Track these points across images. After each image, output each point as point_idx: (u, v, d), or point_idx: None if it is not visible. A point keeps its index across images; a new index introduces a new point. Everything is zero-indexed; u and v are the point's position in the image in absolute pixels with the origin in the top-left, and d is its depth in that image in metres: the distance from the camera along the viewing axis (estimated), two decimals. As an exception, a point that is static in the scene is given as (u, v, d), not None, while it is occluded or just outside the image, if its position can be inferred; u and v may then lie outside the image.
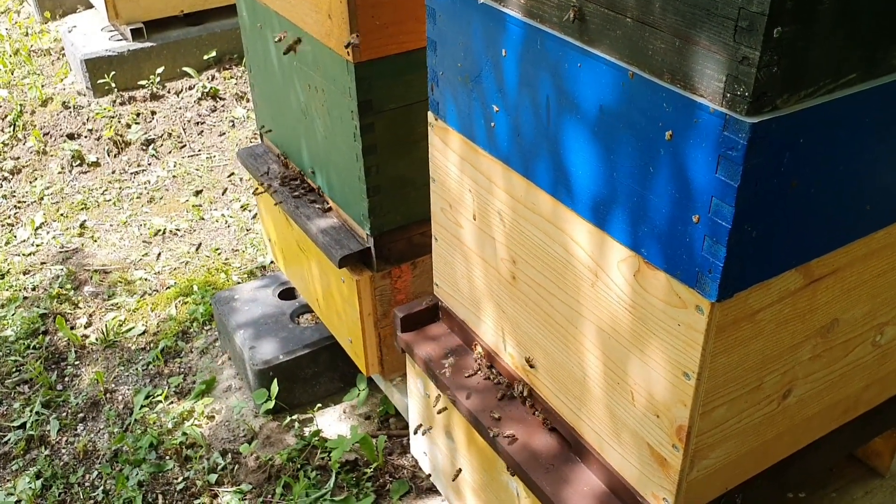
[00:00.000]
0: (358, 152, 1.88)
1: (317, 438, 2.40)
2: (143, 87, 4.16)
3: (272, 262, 3.21)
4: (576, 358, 1.37)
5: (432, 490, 2.27)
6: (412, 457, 2.37)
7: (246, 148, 2.47)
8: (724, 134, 0.95)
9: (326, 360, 2.51)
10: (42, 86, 4.30)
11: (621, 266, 1.19)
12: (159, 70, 4.11)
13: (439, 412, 1.75)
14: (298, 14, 1.92)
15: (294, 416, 2.49)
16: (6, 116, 4.09)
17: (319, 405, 2.54)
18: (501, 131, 1.35)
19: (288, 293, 2.71)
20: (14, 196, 3.72)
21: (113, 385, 2.70)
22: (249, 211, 3.53)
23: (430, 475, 1.94)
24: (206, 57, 4.22)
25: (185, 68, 4.15)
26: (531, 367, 1.50)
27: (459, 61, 1.40)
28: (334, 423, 2.49)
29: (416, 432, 1.90)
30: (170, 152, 3.93)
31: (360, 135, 1.85)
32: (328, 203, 2.16)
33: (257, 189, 2.43)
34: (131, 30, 4.05)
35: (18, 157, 3.93)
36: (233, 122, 4.07)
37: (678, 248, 1.07)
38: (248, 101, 4.19)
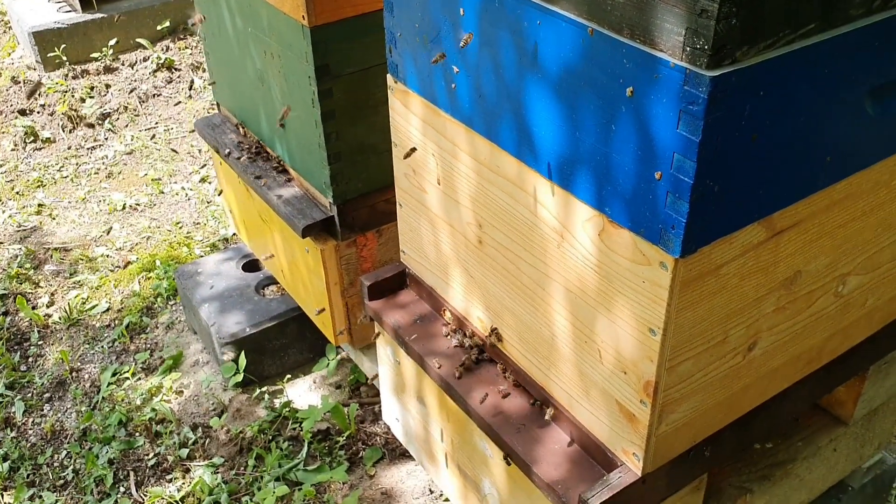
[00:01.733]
0: (317, 118, 1.85)
1: (287, 409, 2.40)
2: (95, 59, 4.05)
3: (234, 234, 3.17)
4: (544, 319, 1.37)
5: (405, 455, 2.28)
6: (384, 424, 2.37)
7: (204, 118, 2.42)
8: (685, 89, 0.94)
9: (294, 332, 2.49)
10: (-11, 61, 4.18)
11: (586, 226, 1.19)
12: (112, 42, 4.01)
13: (407, 380, 1.75)
14: (251, -22, 1.88)
15: (264, 389, 2.48)
16: (-47, 93, 3.97)
17: (289, 377, 2.53)
18: (462, 93, 1.34)
19: (252, 265, 2.68)
20: (-34, 176, 3.63)
21: (79, 364, 2.67)
22: (209, 183, 3.48)
23: (402, 442, 1.95)
24: (159, 27, 4.12)
25: (138, 39, 4.05)
26: (499, 330, 1.50)
27: (417, 22, 1.37)
28: (305, 393, 2.49)
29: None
30: (126, 126, 3.84)
31: (318, 100, 1.82)
32: (289, 172, 2.13)
33: (217, 160, 2.39)
34: (79, 0, 3.93)
35: (-31, 137, 3.82)
36: (189, 93, 3.99)
37: (641, 206, 1.07)
38: (204, 70, 4.11)
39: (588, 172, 1.14)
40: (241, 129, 2.31)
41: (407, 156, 1.54)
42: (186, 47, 4.16)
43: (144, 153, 3.68)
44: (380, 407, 2.37)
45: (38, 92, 3.88)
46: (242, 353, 2.41)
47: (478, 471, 1.63)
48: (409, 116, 1.51)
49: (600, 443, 1.35)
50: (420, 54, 1.40)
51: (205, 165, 3.57)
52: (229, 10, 2.05)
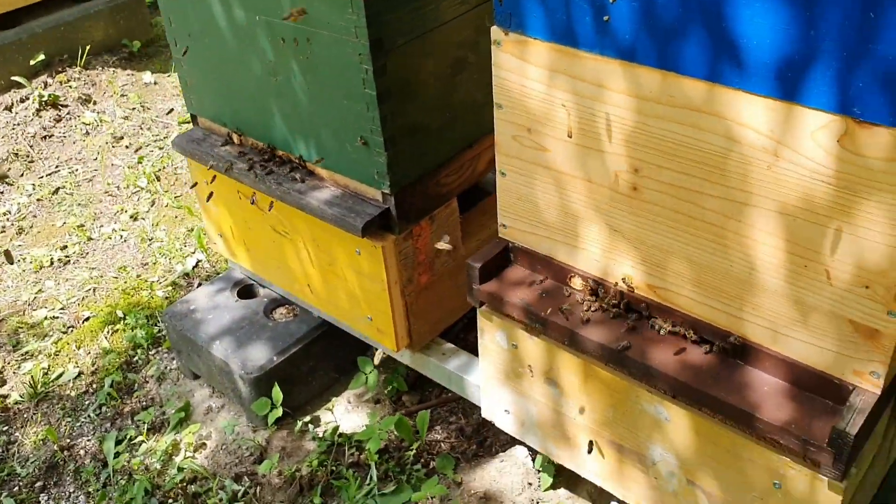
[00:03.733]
0: (370, 101, 1.66)
1: (339, 435, 2.17)
2: (-36, 106, 3.56)
3: (195, 266, 2.87)
4: (737, 254, 1.27)
5: (482, 456, 2.12)
6: (440, 429, 2.21)
7: (182, 135, 2.15)
8: None
9: (319, 353, 2.27)
10: None
11: (818, 135, 1.10)
12: (-19, 84, 3.54)
13: (529, 363, 1.61)
14: (264, -44, 1.66)
15: (302, 419, 2.24)
16: None
17: (323, 401, 2.30)
18: (621, 25, 1.22)
19: (246, 291, 2.42)
20: None
21: (67, 440, 2.31)
22: (142, 220, 3.13)
23: (514, 433, 1.79)
24: (33, 62, 3.67)
25: (15, 78, 3.59)
26: (659, 282, 1.39)
27: (550, -44, 1.24)
28: (344, 415, 2.27)
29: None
30: (22, 175, 3.40)
31: (372, 80, 1.63)
32: (315, 172, 1.92)
33: (199, 182, 2.12)
34: (-65, 42, 3.44)
35: None
36: (86, 129, 3.59)
37: (915, 94, 0.99)
38: (94, 103, 3.71)
39: (826, 73, 1.05)
40: (235, 137, 2.06)
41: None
42: (68, 80, 3.73)
43: (54, 201, 3.27)
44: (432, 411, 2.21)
45: None
46: (276, 385, 2.16)
47: (644, 440, 1.52)
48: (527, 68, 1.37)
49: (819, 371, 1.27)
50: (553, -8, 1.27)
51: (129, 202, 3.21)
52: (224, 4, 1.81)
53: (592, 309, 1.50)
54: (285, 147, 1.93)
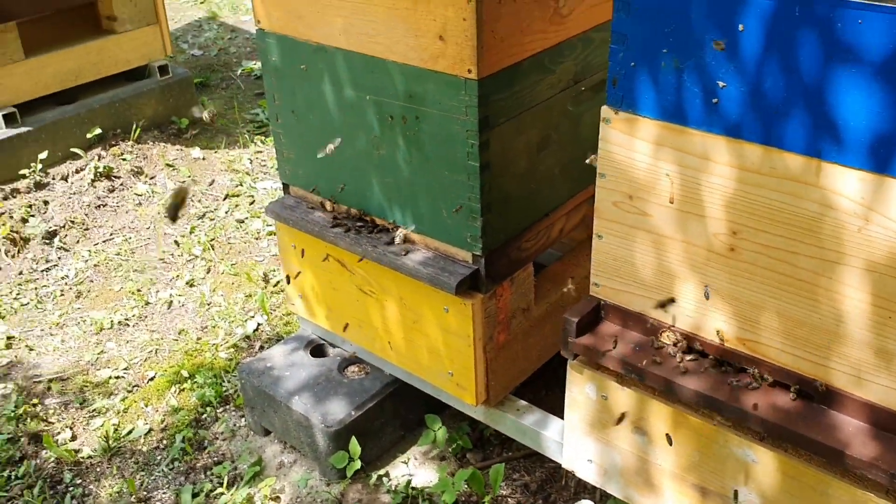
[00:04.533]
0: (472, 172, 1.85)
1: (411, 489, 2.28)
2: (24, 176, 3.72)
3: (256, 328, 3.00)
4: (826, 308, 1.44)
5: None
6: (506, 486, 2.32)
7: (275, 202, 2.32)
8: None
9: (390, 409, 2.39)
10: None
11: (908, 201, 1.29)
12: (42, 155, 3.71)
13: (620, 415, 1.75)
14: (381, 44, 1.87)
15: (376, 473, 2.34)
16: None
17: (392, 456, 2.41)
18: (729, 105, 1.42)
19: (318, 351, 2.56)
20: None
21: (143, 493, 2.39)
22: (199, 286, 3.27)
23: (596, 482, 1.92)
24: (89, 135, 3.87)
25: (74, 150, 3.78)
26: (749, 334, 1.56)
27: (665, 47, 1.45)
28: (413, 470, 2.38)
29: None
30: (78, 241, 3.54)
31: (477, 153, 1.83)
32: (406, 236, 2.09)
33: (288, 244, 2.28)
34: (3, 115, 3.63)
35: None
36: (138, 199, 3.76)
37: None
38: (146, 175, 3.89)
39: (917, 150, 1.25)
40: (328, 205, 2.23)
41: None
42: (121, 153, 3.92)
43: (111, 266, 3.40)
44: (499, 467, 2.33)
45: (-33, 219, 3.50)
46: (354, 438, 2.27)
47: (729, 482, 1.65)
48: (635, 143, 1.56)
49: (902, 413, 1.43)
50: (664, 78, 1.47)
51: (185, 268, 3.36)
52: (335, 83, 2.01)
53: (684, 361, 1.66)
54: (380, 213, 2.11)
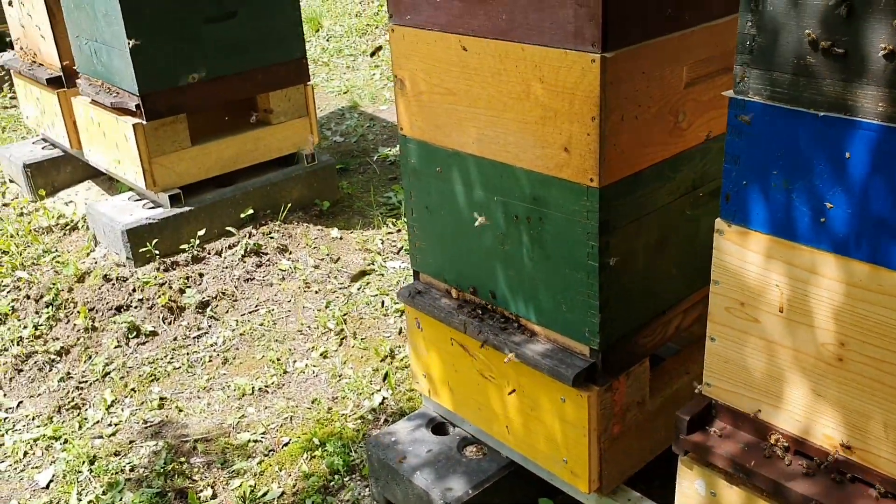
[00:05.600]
0: (592, 272, 1.98)
1: (524, 570, 2.36)
2: (183, 251, 4.12)
3: (381, 402, 3.19)
4: (936, 422, 1.48)
5: None
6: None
7: (405, 287, 2.52)
8: None
9: (506, 489, 2.50)
10: (68, 262, 4.19)
11: None
12: (200, 232, 4.10)
13: (733, 508, 1.80)
14: (511, 153, 2.05)
15: (489, 552, 2.44)
16: (41, 297, 3.94)
17: (506, 537, 2.51)
18: (836, 225, 1.50)
19: (439, 429, 2.71)
20: (71, 377, 3.56)
21: (275, 553, 2.58)
22: (331, 357, 3.51)
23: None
24: (242, 215, 4.24)
25: (228, 227, 4.16)
26: (857, 443, 1.60)
27: (775, 169, 1.56)
28: (525, 552, 2.47)
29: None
30: (227, 311, 3.87)
31: (596, 254, 1.96)
32: (526, 327, 2.23)
33: (414, 326, 2.47)
34: (169, 196, 4.05)
35: (58, 338, 3.77)
36: (282, 275, 4.07)
37: None
38: (290, 253, 4.22)
39: None
40: (454, 292, 2.41)
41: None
42: (269, 232, 4.27)
43: (255, 336, 3.70)
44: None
45: (132, 287, 3.90)
46: (470, 516, 2.39)
47: (839, 589, 1.67)
48: (746, 254, 1.66)
49: None
50: (774, 197, 1.58)
51: (321, 340, 3.61)
52: (467, 185, 2.20)
53: (793, 464, 1.71)
54: (503, 304, 2.27)
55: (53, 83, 4.58)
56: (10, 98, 6.77)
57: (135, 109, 3.89)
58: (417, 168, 2.36)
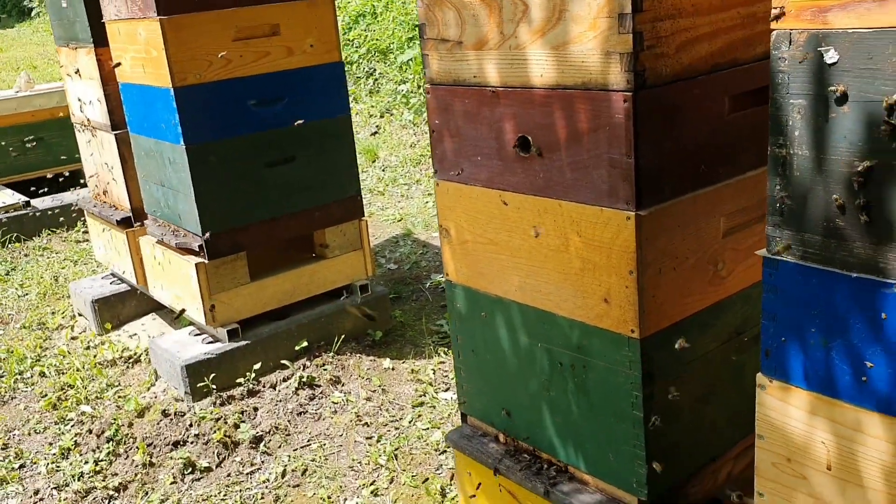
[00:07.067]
0: (636, 422, 1.98)
1: None
2: (239, 384, 4.20)
3: (432, 545, 3.14)
4: None
5: None
6: None
7: (454, 431, 2.53)
8: None
9: None
10: (129, 397, 4.30)
11: None
12: (256, 366, 4.19)
13: None
14: (552, 301, 2.10)
15: None
16: (102, 432, 4.04)
17: None
18: (878, 384, 1.50)
19: (490, 576, 2.65)
20: (127, 514, 3.60)
21: None
22: (382, 495, 3.49)
23: None
24: (297, 348, 4.33)
25: (282, 361, 4.24)
26: None
27: (814, 327, 1.57)
28: None
29: None
30: (280, 446, 3.90)
31: (640, 405, 1.96)
32: (576, 476, 2.21)
33: (464, 470, 2.46)
34: (227, 331, 4.17)
35: (117, 473, 3.84)
36: (334, 407, 4.11)
37: None
38: (342, 384, 4.27)
39: None
40: (502, 437, 2.41)
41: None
42: (322, 364, 4.35)
43: (307, 472, 3.71)
44: None
45: (190, 423, 3.98)
46: None
47: None
48: (789, 409, 1.65)
49: None
50: (814, 354, 1.58)
51: (373, 477, 3.60)
52: (511, 331, 2.25)
53: None
54: (550, 451, 2.26)
55: (123, 223, 4.83)
56: (83, 233, 7.13)
57: (198, 249, 4.07)
58: (463, 313, 2.41)
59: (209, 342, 4.28)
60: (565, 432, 2.20)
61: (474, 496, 2.55)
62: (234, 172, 4.03)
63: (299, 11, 4.06)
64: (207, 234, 4.00)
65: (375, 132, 9.31)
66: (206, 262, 4.07)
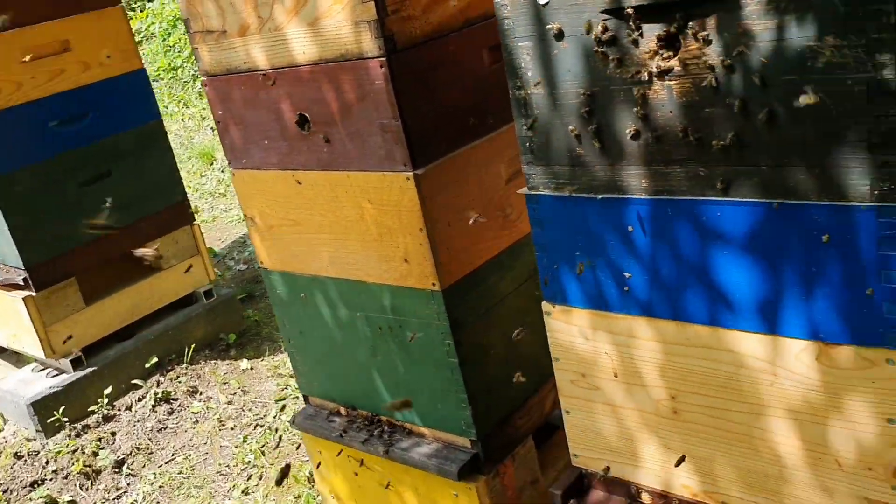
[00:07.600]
0: (454, 367, 2.08)
1: None
2: (93, 412, 4.08)
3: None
4: (767, 455, 1.59)
5: None
6: None
7: (298, 413, 2.57)
8: (880, 220, 1.29)
9: None
10: (-23, 446, 4.10)
11: (801, 356, 1.47)
12: (107, 391, 4.08)
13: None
14: (361, 270, 2.16)
15: None
16: (-49, 488, 3.84)
17: None
18: (638, 291, 1.64)
19: (359, 546, 2.72)
20: (-10, 566, 3.45)
21: None
22: (252, 493, 3.49)
23: None
24: (147, 365, 4.24)
25: (134, 381, 4.14)
26: (712, 488, 1.70)
27: (577, 251, 1.69)
28: None
29: None
30: (144, 466, 3.82)
31: (454, 351, 2.06)
32: (415, 432, 2.30)
33: (315, 450, 2.51)
34: (70, 361, 4.03)
35: (-26, 527, 3.67)
36: (195, 418, 4.06)
37: (858, 321, 1.37)
38: (200, 393, 4.21)
39: (795, 312, 1.44)
40: (343, 410, 2.47)
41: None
42: (177, 377, 4.27)
43: (174, 486, 3.66)
44: None
45: (45, 460, 3.83)
46: None
47: None
48: (572, 329, 1.78)
49: (855, 545, 1.54)
50: (584, 275, 1.71)
51: (240, 478, 3.59)
52: (331, 306, 2.30)
53: (663, 518, 1.80)
54: (388, 413, 2.33)
55: (-60, 269, 4.56)
56: None
57: (23, 283, 3.91)
58: (284, 297, 2.44)
59: (53, 375, 4.13)
60: (397, 392, 2.27)
61: (326, 472, 2.60)
62: (48, 198, 3.88)
63: (88, 24, 3.92)
64: (30, 265, 3.84)
65: (211, 135, 9.10)
66: (34, 294, 3.91)
